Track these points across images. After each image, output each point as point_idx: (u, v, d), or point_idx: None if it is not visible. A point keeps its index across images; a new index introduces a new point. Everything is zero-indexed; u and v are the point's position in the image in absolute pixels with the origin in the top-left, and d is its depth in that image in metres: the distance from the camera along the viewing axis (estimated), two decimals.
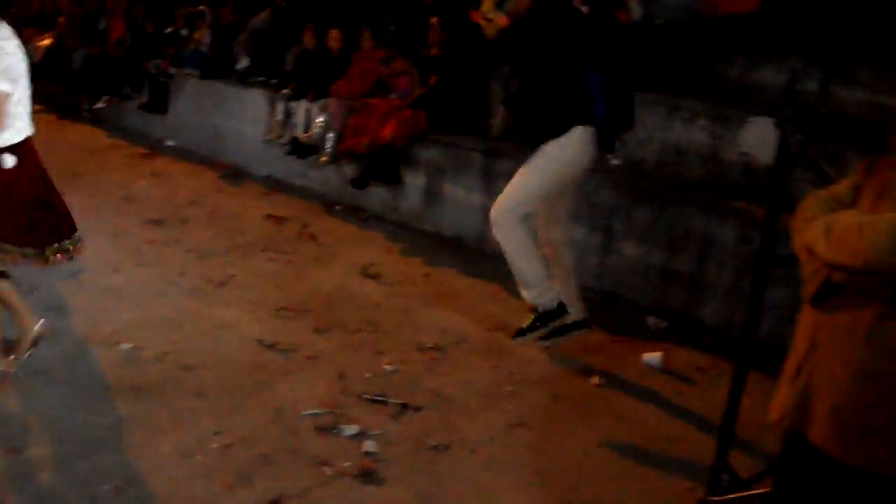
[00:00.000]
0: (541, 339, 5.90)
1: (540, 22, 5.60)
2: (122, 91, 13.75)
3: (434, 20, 9.44)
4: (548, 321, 5.84)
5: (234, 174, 11.00)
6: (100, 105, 13.98)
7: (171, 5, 13.87)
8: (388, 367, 5.86)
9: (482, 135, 9.01)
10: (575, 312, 6.00)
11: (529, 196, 5.66)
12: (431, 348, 6.23)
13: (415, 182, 9.03)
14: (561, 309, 5.86)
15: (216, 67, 12.09)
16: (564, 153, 5.63)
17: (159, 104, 12.90)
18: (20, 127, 5.09)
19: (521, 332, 5.89)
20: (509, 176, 7.97)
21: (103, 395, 5.30)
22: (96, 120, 14.03)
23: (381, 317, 6.73)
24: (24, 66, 5.08)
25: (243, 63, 11.86)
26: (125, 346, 5.95)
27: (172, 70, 12.72)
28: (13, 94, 4.97)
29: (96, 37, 14.87)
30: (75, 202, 5.97)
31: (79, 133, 13.34)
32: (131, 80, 13.60)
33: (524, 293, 5.81)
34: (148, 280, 7.22)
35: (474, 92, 9.27)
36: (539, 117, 5.79)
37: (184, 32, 13.11)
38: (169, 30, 13.38)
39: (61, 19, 15.68)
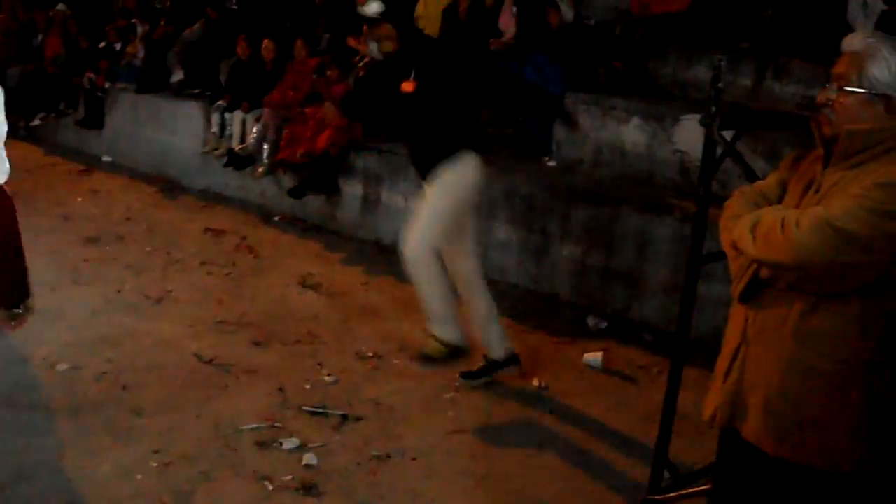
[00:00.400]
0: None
1: (410, 60, 5.67)
2: (58, 107, 13.61)
3: (366, 28, 9.38)
4: (497, 370, 5.89)
5: (172, 188, 10.90)
6: (36, 122, 13.82)
7: (103, 20, 13.74)
8: (327, 378, 5.83)
9: None
10: (503, 348, 5.96)
11: (438, 228, 5.58)
12: (371, 357, 6.21)
13: (352, 190, 9.00)
14: (513, 358, 5.93)
15: (151, 81, 11.99)
16: (461, 179, 5.62)
17: (95, 120, 12.74)
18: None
19: (472, 376, 5.87)
20: None
21: (42, 416, 5.23)
22: (32, 137, 13.82)
23: (321, 328, 6.70)
24: None
25: (178, 76, 11.79)
26: (63, 366, 5.88)
27: (107, 85, 12.58)
28: None
29: (31, 53, 14.68)
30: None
31: (15, 151, 12.83)
32: (66, 96, 13.46)
33: (436, 329, 5.73)
34: (85, 298, 7.13)
35: None
36: (427, 147, 5.75)
37: (117, 47, 12.98)
38: (102, 44, 13.23)
39: None
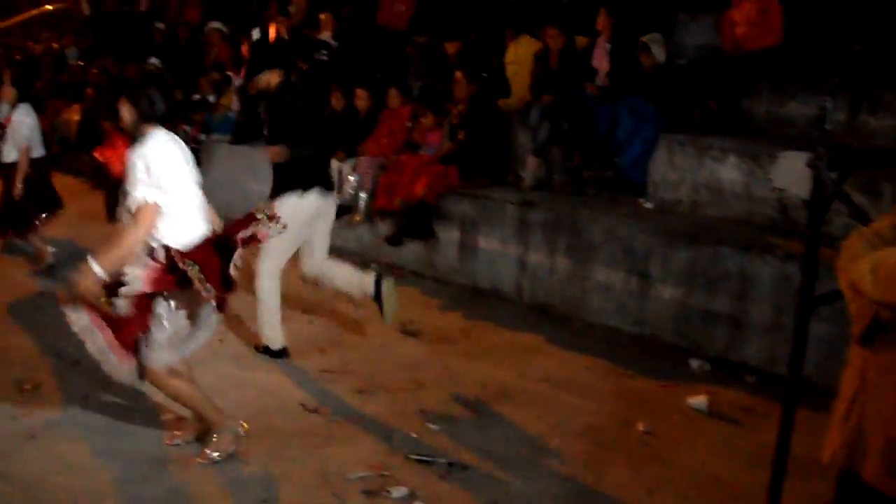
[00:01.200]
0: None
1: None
2: None
3: (459, 75, 9.49)
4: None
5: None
6: None
7: (197, 72, 14.02)
8: (432, 426, 5.85)
9: (514, 186, 9.04)
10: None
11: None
12: (475, 404, 6.22)
13: (449, 236, 9.05)
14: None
15: (246, 132, 12.19)
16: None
17: None
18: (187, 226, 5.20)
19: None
20: (543, 226, 8.07)
21: (152, 466, 5.32)
22: None
23: (423, 374, 6.74)
24: (181, 169, 5.16)
25: None
26: (169, 415, 5.97)
27: (202, 136, 12.80)
28: (163, 202, 5.01)
29: None
30: None
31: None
32: None
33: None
34: None
35: (503, 144, 9.33)
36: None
37: (211, 99, 13.23)
38: (196, 97, 13.49)
39: (88, 90, 15.89)
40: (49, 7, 25.63)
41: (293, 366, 6.87)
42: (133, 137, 5.19)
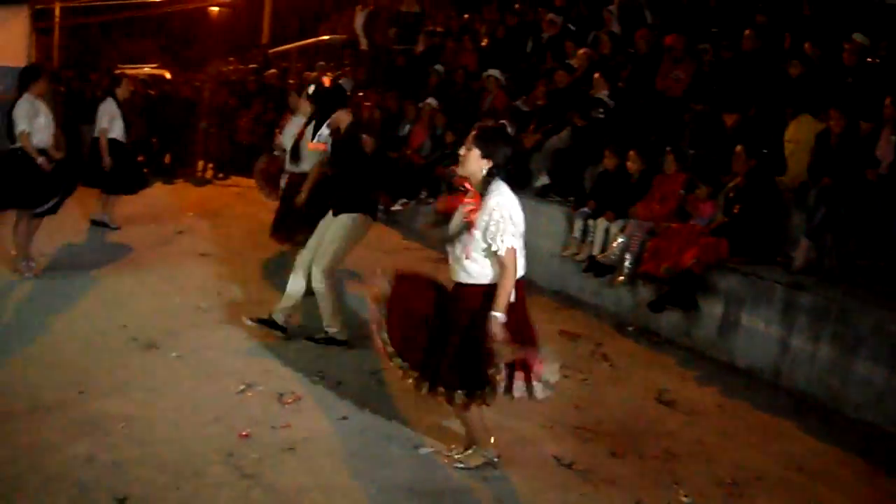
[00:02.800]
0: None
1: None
2: (419, 195, 14.35)
3: (739, 148, 9.46)
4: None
5: (527, 286, 11.17)
6: (396, 207, 14.64)
7: (471, 118, 14.36)
8: (685, 500, 5.87)
9: (782, 266, 8.93)
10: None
11: None
12: (729, 484, 6.19)
13: (711, 309, 9.00)
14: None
15: (515, 181, 12.39)
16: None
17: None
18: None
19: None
20: (810, 311, 7.96)
21: (407, 497, 5.60)
22: (391, 221, 14.66)
23: (677, 446, 6.74)
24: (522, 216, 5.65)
25: (542, 180, 12.17)
26: (425, 450, 6.24)
27: None
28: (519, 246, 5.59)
29: (397, 141, 15.64)
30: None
31: (374, 232, 13.92)
32: (428, 185, 14.18)
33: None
34: None
35: (776, 222, 9.24)
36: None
37: None
38: None
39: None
40: (325, 37, 26.87)
41: (547, 416, 6.98)
42: (483, 186, 5.61)
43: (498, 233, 5.45)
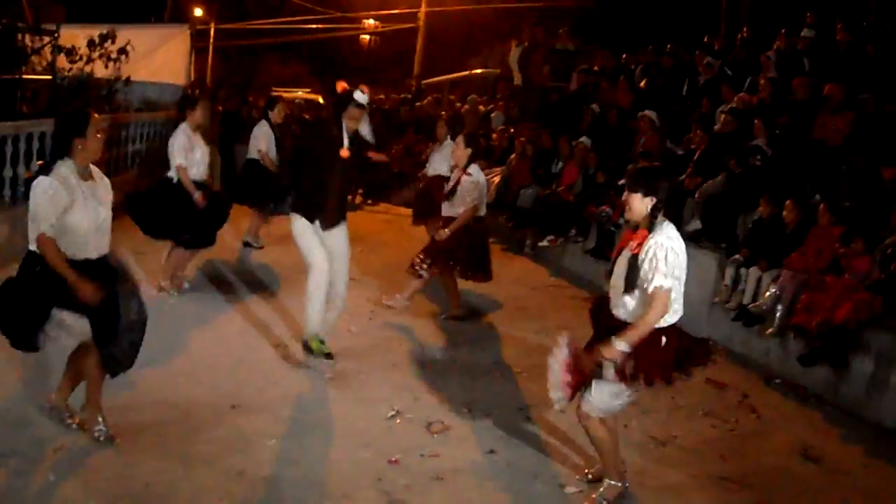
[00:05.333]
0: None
1: None
2: (568, 233, 14.43)
3: None
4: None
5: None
6: (544, 243, 14.76)
7: (623, 160, 14.39)
8: None
9: None
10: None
11: None
12: None
13: (861, 367, 8.83)
14: None
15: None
16: None
17: (604, 251, 13.29)
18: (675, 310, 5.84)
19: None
20: None
21: None
22: (538, 257, 14.81)
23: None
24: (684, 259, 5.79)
25: (694, 224, 12.12)
26: (570, 489, 6.36)
27: (621, 221, 13.06)
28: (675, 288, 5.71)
29: (548, 178, 15.76)
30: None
31: (521, 267, 14.11)
32: (578, 224, 14.25)
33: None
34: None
35: None
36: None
37: None
38: (622, 182, 13.77)
39: (513, 157, 16.80)
40: (478, 71, 27.23)
41: (692, 465, 7.01)
42: (648, 224, 5.73)
43: (650, 271, 5.55)
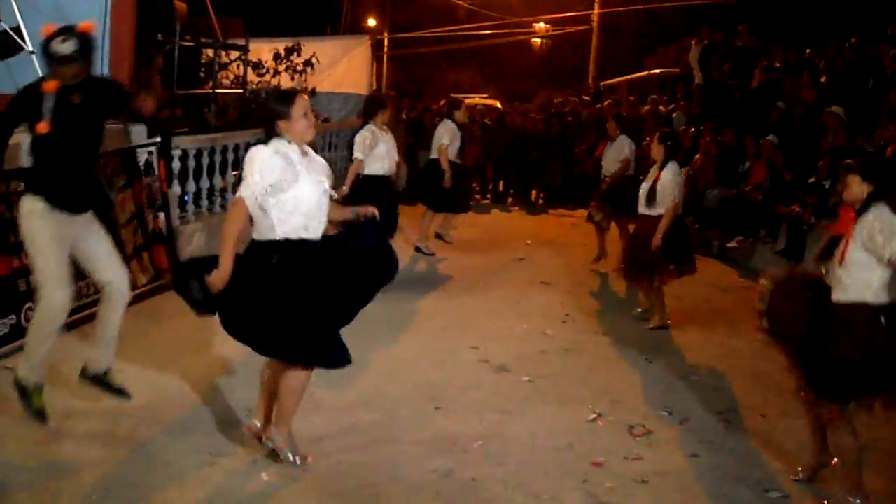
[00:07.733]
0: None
1: None
2: (757, 234, 14.24)
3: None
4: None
5: None
6: (732, 244, 14.59)
7: (813, 156, 14.11)
8: None
9: None
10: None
11: None
12: None
13: None
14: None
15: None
16: None
17: (796, 252, 13.01)
18: None
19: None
20: None
21: None
22: (726, 258, 14.60)
23: None
24: None
25: None
26: (774, 493, 6.26)
27: (812, 220, 12.85)
28: None
29: (735, 178, 15.58)
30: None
31: (709, 269, 13.89)
32: (767, 224, 14.05)
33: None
34: None
35: None
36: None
37: (826, 184, 13.21)
38: (812, 180, 13.59)
39: (697, 157, 16.65)
40: (657, 71, 27.00)
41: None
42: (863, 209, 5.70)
43: (883, 241, 5.51)
